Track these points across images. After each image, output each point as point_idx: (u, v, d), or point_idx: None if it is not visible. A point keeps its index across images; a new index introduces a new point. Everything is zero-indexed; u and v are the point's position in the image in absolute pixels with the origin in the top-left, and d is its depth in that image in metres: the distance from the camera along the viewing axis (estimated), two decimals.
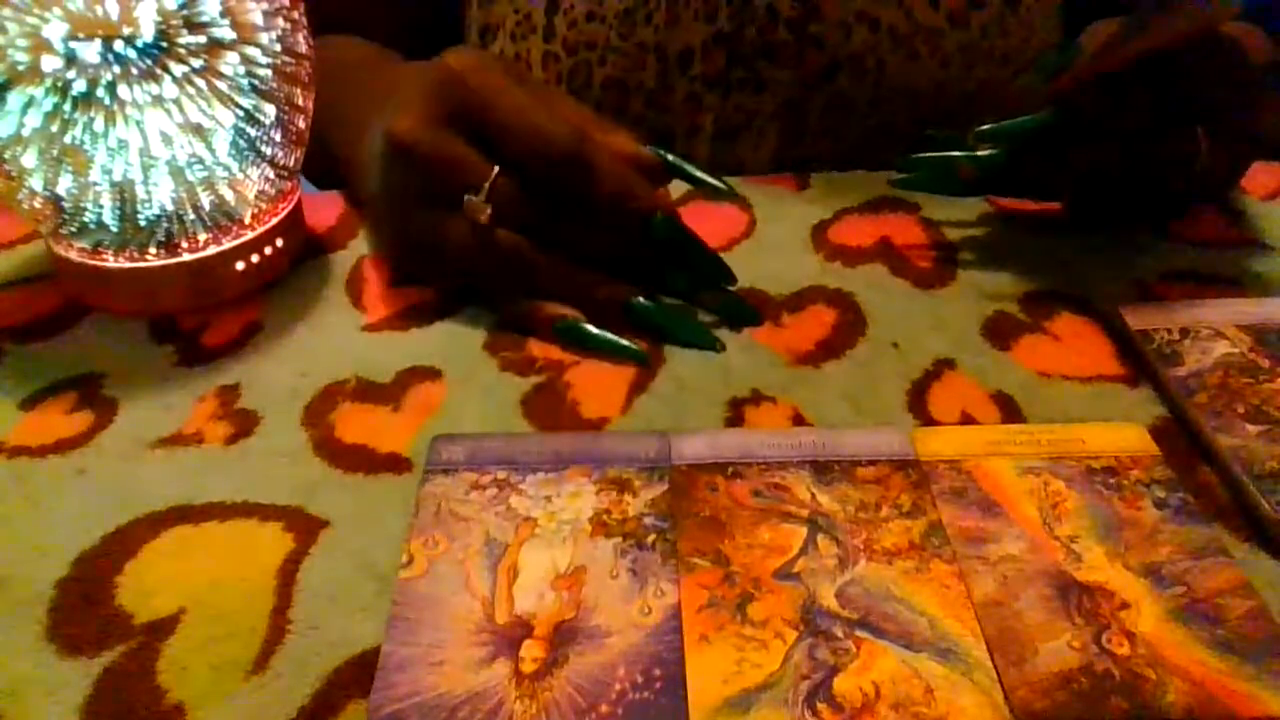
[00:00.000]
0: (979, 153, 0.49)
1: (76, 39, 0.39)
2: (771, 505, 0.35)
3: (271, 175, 0.46)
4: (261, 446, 0.39)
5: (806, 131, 0.62)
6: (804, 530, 0.34)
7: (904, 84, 0.61)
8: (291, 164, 0.47)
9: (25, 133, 0.40)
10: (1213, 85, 0.47)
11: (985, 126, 0.49)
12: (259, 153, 0.45)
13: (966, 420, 0.40)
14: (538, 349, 0.44)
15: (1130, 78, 0.46)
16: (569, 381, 0.42)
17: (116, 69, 0.40)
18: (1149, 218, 0.53)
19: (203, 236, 0.45)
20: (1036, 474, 0.36)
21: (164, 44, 0.40)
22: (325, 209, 0.55)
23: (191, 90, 0.41)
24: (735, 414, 0.41)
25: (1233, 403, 0.39)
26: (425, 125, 0.43)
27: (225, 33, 0.41)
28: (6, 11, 0.39)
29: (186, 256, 0.45)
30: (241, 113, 0.43)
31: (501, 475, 0.36)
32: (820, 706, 0.29)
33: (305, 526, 0.35)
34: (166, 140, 0.42)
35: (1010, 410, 0.41)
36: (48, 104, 0.40)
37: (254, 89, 0.43)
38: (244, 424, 0.40)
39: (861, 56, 0.60)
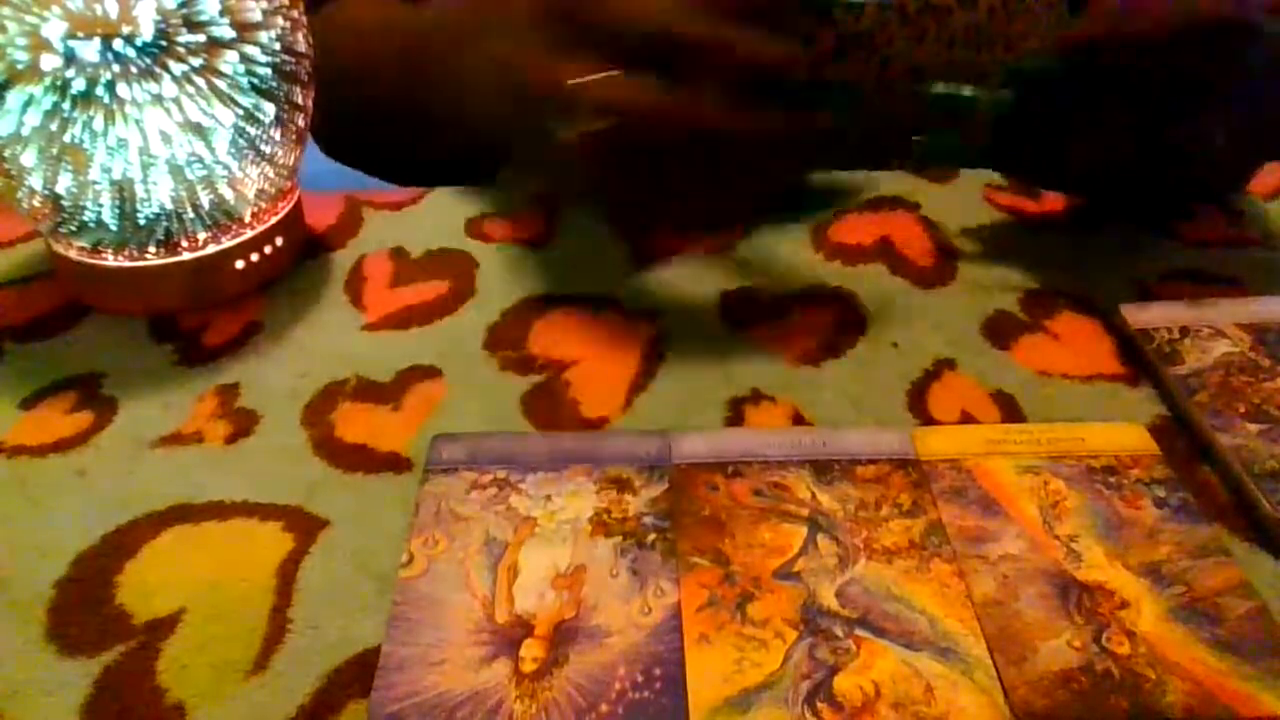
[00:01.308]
0: (993, 94, 0.48)
1: (76, 38, 0.39)
2: (771, 505, 0.35)
3: (271, 174, 0.46)
4: (261, 446, 0.39)
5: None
6: (804, 530, 0.34)
7: (910, 65, 0.61)
8: (291, 163, 0.47)
9: (25, 131, 0.40)
10: (1228, 73, 0.46)
11: (1003, 70, 0.49)
12: (259, 151, 0.45)
13: (966, 420, 0.40)
14: (538, 348, 0.44)
15: (1144, 49, 0.45)
16: (569, 381, 0.42)
17: (116, 67, 0.40)
18: (1158, 209, 0.52)
19: (202, 235, 0.45)
20: (1036, 473, 0.36)
21: (163, 42, 0.40)
22: (325, 208, 0.55)
23: (191, 89, 0.41)
24: (735, 414, 0.41)
25: (1233, 402, 0.39)
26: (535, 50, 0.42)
27: (225, 31, 0.41)
28: (6, 10, 0.39)
29: (186, 256, 0.45)
30: (241, 111, 0.43)
31: (501, 475, 0.36)
32: (820, 706, 0.29)
33: (305, 526, 0.35)
34: (166, 139, 0.42)
35: (1010, 410, 0.41)
36: (47, 102, 0.40)
37: (253, 88, 0.43)
38: (244, 424, 0.40)
39: (870, 34, 0.60)
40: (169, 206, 0.43)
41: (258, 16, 0.42)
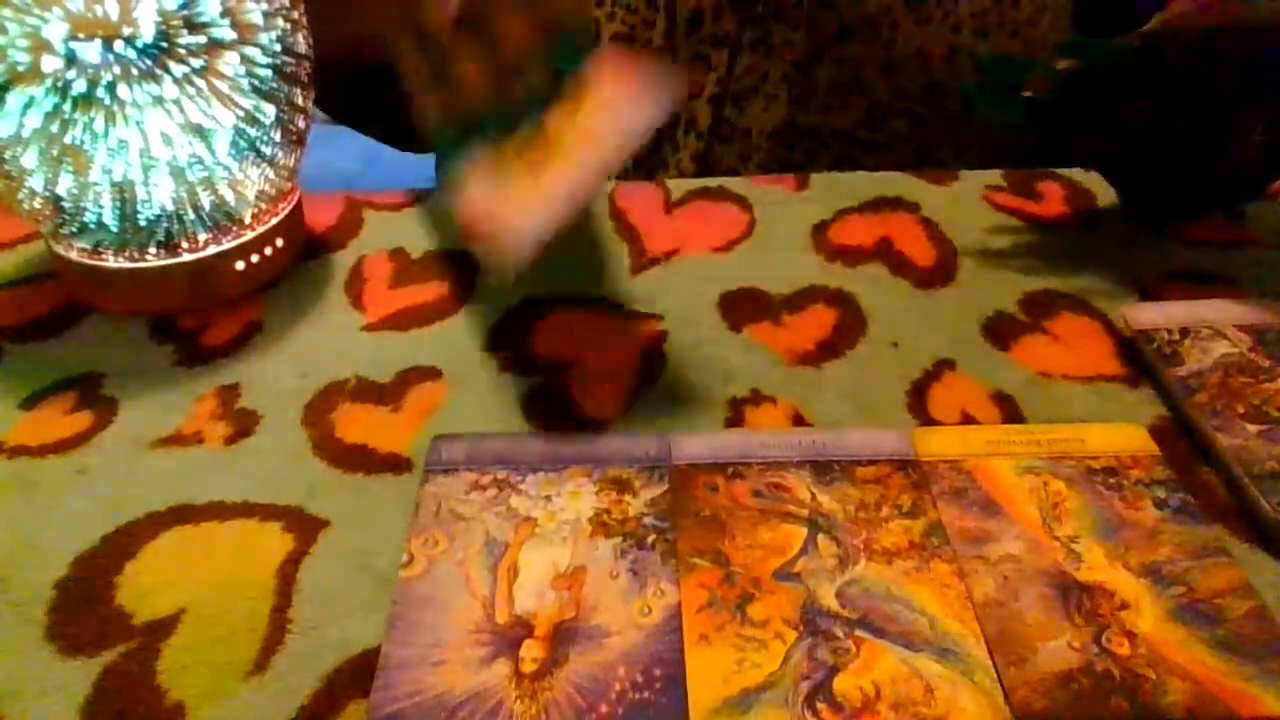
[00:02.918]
0: (1058, 65, 0.48)
1: (76, 39, 0.39)
2: (771, 505, 0.35)
3: (271, 175, 0.46)
4: (261, 446, 0.39)
5: (816, 95, 0.62)
6: (804, 530, 0.34)
7: (915, 47, 0.61)
8: (292, 164, 0.47)
9: (25, 133, 0.40)
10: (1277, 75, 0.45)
11: (1068, 41, 0.48)
12: (259, 153, 0.45)
13: (966, 420, 0.40)
14: (538, 349, 0.44)
15: (1224, 43, 0.45)
16: (569, 382, 0.42)
17: (117, 69, 0.40)
18: (1177, 206, 0.52)
19: (203, 236, 0.45)
20: (1036, 474, 0.36)
21: (164, 44, 0.40)
22: (325, 209, 0.55)
23: (191, 90, 0.41)
24: (735, 414, 0.41)
25: (1233, 402, 0.39)
26: None
27: (225, 33, 0.41)
28: (6, 11, 0.39)
29: (186, 256, 0.45)
30: (241, 113, 0.43)
31: (501, 475, 0.36)
32: (820, 706, 0.29)
33: (305, 526, 0.35)
34: (167, 140, 0.42)
35: (1010, 410, 0.41)
36: (48, 104, 0.40)
37: (254, 89, 0.43)
38: (244, 424, 0.40)
39: (874, 19, 0.60)
40: (169, 208, 0.43)
41: (258, 18, 0.42)
